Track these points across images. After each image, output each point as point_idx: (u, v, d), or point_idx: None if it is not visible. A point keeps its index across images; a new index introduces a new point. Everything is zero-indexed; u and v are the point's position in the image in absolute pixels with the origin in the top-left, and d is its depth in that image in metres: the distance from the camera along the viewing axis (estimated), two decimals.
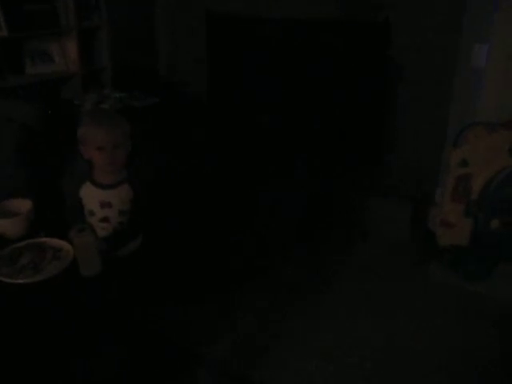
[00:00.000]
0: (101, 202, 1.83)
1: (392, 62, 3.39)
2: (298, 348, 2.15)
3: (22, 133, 2.48)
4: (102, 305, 1.54)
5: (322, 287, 2.56)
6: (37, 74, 3.44)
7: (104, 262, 1.60)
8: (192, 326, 2.24)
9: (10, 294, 1.54)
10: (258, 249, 2.76)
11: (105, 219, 1.85)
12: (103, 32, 3.71)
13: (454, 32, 3.08)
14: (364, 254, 2.86)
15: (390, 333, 2.25)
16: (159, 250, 2.05)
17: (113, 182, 1.83)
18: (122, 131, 1.78)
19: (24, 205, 1.85)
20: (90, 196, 1.85)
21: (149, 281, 1.82)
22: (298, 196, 2.76)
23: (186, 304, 2.32)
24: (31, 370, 1.42)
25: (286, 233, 2.80)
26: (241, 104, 3.25)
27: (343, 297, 2.48)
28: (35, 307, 1.50)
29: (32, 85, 3.37)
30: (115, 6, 3.75)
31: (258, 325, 2.28)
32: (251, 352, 2.14)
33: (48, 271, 1.60)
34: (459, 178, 2.72)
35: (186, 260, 2.49)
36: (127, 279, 1.65)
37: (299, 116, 3.08)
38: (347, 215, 3.15)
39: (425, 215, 3.10)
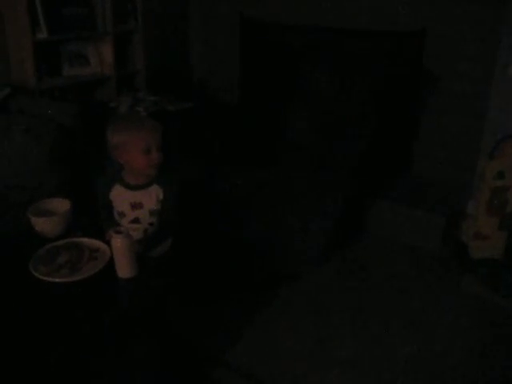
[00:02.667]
0: (132, 203, 1.85)
1: (427, 71, 3.19)
2: (323, 356, 2.14)
3: (58, 132, 2.51)
4: (137, 307, 1.55)
5: (349, 297, 2.54)
6: (73, 76, 3.44)
7: (140, 264, 1.61)
8: (215, 330, 2.23)
9: (46, 292, 1.55)
10: (285, 257, 2.70)
11: (136, 220, 1.86)
12: (138, 36, 3.71)
13: (491, 42, 2.96)
14: (395, 265, 2.82)
15: (420, 345, 2.23)
16: (188, 252, 2.08)
17: (143, 183, 1.85)
18: (161, 132, 1.81)
19: (62, 204, 1.86)
20: (121, 198, 1.87)
21: (179, 283, 1.82)
22: (326, 205, 2.68)
23: (209, 307, 2.33)
24: (61, 368, 1.39)
25: (314, 242, 2.71)
26: (273, 111, 3.28)
27: (372, 307, 2.47)
28: (71, 306, 1.51)
29: (68, 86, 3.40)
30: (150, 10, 3.78)
31: (283, 332, 2.27)
32: (275, 359, 2.12)
33: (85, 271, 1.60)
34: (495, 191, 2.64)
35: (212, 263, 2.46)
36: (161, 281, 1.65)
37: (331, 124, 2.99)
38: (377, 226, 3.07)
39: (457, 227, 2.95)
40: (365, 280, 2.67)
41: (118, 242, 1.56)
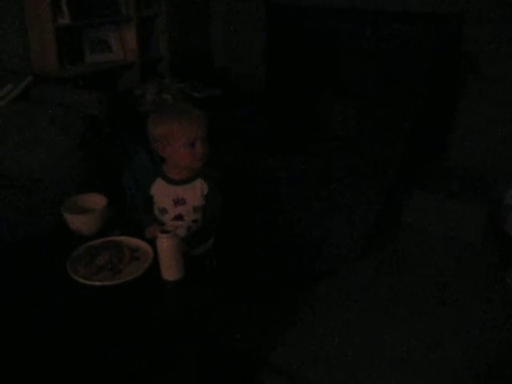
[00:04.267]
0: (174, 198, 1.72)
1: (466, 55, 3.03)
2: (368, 356, 2.06)
3: (87, 122, 2.39)
4: (186, 311, 1.45)
5: (390, 293, 2.45)
6: (95, 63, 3.32)
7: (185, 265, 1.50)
8: (257, 330, 2.16)
9: (86, 295, 1.45)
10: (325, 252, 2.57)
11: (178, 217, 1.73)
12: (162, 21, 3.57)
13: None
14: (435, 259, 2.71)
15: (464, 340, 2.16)
16: (232, 249, 1.99)
17: (186, 178, 1.72)
18: (208, 123, 1.67)
19: (98, 200, 1.75)
20: (163, 193, 1.74)
21: (223, 282, 1.69)
22: (368, 197, 2.56)
23: (249, 306, 2.23)
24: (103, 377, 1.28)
25: (351, 235, 2.61)
26: (305, 98, 3.13)
27: (415, 303, 2.38)
28: (114, 312, 1.41)
29: (90, 74, 3.26)
30: None
31: (325, 331, 2.20)
32: (318, 359, 2.05)
33: (127, 273, 1.49)
34: None
35: (251, 260, 2.32)
36: (208, 284, 1.54)
37: (362, 109, 2.83)
38: (415, 217, 2.95)
39: (500, 218, 2.81)
40: (405, 275, 2.55)
41: (164, 242, 1.45)
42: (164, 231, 1.47)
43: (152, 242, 1.58)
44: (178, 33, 3.75)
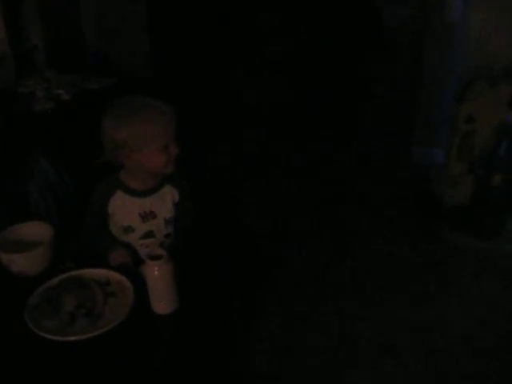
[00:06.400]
0: (141, 213, 1.45)
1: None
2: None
3: None
4: (187, 349, 1.19)
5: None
6: None
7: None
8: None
9: (59, 354, 1.12)
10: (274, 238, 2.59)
11: (148, 234, 1.48)
12: (31, 2, 3.04)
13: None
14: (369, 224, 2.77)
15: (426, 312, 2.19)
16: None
17: (153, 186, 1.46)
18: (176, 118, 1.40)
19: (40, 229, 1.40)
20: (126, 208, 1.45)
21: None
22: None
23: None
24: None
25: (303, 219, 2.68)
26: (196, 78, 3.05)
27: (359, 279, 2.38)
28: (95, 368, 1.10)
29: None
30: None
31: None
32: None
33: (110, 316, 1.19)
34: (465, 136, 2.61)
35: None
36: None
37: (267, 91, 2.87)
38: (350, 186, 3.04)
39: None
40: (349, 253, 2.53)
41: (155, 270, 1.17)
42: (153, 257, 1.18)
43: (120, 271, 1.31)
44: (52, 16, 3.21)
